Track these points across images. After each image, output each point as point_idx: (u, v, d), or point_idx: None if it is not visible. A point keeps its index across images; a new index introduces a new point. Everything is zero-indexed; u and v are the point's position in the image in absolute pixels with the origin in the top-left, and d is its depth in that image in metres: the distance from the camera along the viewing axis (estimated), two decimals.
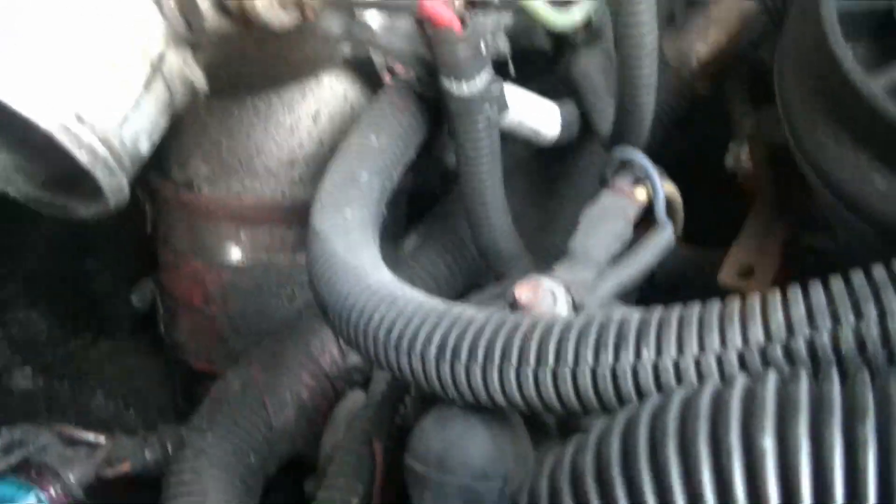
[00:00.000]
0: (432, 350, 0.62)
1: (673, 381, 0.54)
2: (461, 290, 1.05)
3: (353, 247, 0.74)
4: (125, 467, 1.04)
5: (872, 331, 0.49)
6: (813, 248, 0.88)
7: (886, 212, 0.67)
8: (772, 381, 0.46)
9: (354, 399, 0.98)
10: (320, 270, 0.73)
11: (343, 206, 0.80)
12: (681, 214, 0.84)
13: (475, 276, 1.07)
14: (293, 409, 1.00)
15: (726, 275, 0.89)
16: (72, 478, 1.00)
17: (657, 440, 0.46)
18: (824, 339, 0.50)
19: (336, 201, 0.80)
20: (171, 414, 1.35)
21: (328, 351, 1.01)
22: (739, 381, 0.47)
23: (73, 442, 1.05)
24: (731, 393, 0.46)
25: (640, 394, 0.55)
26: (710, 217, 0.93)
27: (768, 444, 0.43)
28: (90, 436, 1.06)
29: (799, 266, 0.86)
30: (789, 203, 0.89)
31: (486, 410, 0.67)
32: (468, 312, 0.63)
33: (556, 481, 0.49)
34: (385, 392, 0.79)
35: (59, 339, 1.46)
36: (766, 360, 0.52)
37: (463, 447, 0.66)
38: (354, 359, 1.00)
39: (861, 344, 0.50)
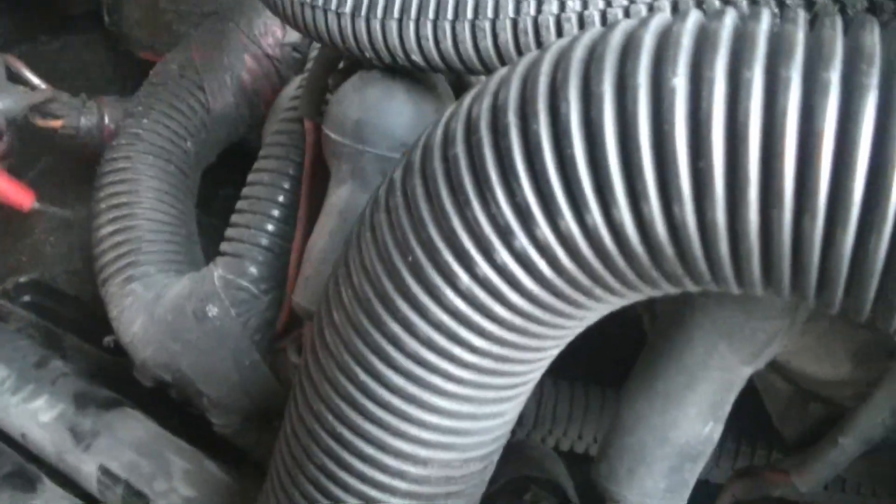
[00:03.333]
0: (348, 5, 0.56)
1: None
2: None
3: None
4: (57, 123, 1.02)
5: None
6: None
7: None
8: (693, 18, 0.40)
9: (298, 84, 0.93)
10: None
11: None
12: None
13: None
14: (233, 92, 0.94)
15: None
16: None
17: (557, 83, 0.40)
18: None
19: None
20: None
21: (270, 32, 0.94)
22: (657, 18, 0.41)
23: (16, 79, 1.01)
24: (645, 29, 0.40)
25: None
26: None
27: (679, 82, 0.38)
28: (35, 78, 1.02)
29: None
30: None
31: (408, 75, 0.62)
32: None
33: (450, 130, 0.44)
34: (313, 68, 0.73)
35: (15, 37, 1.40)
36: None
37: (381, 112, 0.61)
38: (294, 36, 0.93)
39: None
